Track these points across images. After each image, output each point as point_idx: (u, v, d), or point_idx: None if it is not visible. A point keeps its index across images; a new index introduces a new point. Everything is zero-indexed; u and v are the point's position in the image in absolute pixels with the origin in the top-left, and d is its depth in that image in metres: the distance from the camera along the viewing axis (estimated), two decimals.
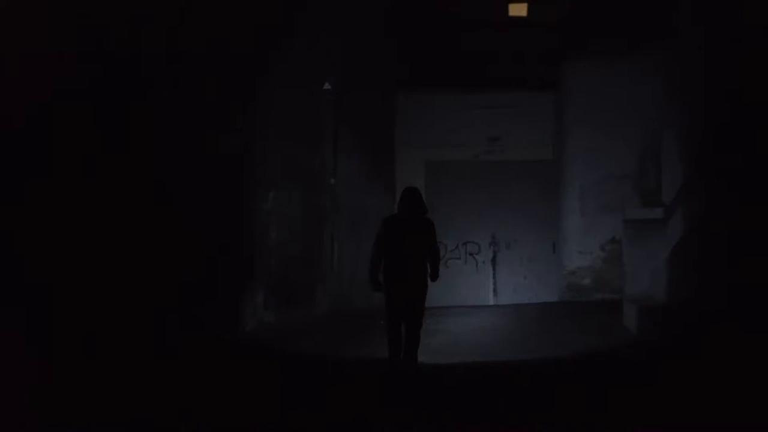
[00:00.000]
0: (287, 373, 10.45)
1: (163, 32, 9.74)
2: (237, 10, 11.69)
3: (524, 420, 7.77)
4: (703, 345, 9.90)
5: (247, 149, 12.38)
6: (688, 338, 10.50)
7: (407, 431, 7.54)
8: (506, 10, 19.77)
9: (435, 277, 9.86)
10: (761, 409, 7.40)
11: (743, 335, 9.02)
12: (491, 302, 20.62)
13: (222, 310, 11.39)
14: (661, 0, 14.13)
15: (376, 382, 9.78)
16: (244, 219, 12.38)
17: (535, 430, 7.44)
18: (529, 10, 19.65)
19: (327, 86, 15.67)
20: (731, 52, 10.28)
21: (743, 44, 9.78)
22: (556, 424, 7.58)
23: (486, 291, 21.01)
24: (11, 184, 7.05)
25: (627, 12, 17.71)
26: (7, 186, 7.01)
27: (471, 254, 21.08)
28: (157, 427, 7.37)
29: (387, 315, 9.78)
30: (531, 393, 9.11)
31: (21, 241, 7.15)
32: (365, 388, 9.50)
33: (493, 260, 21.08)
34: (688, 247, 12.04)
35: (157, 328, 9.34)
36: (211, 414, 7.94)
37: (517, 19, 19.81)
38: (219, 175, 11.37)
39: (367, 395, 9.08)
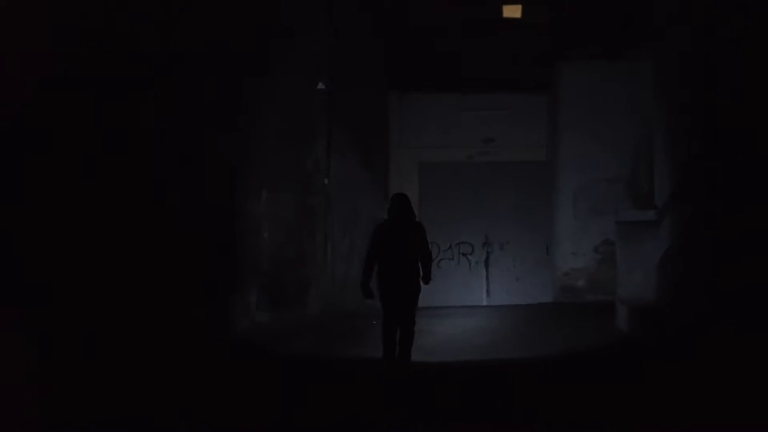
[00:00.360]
0: (281, 373, 10.46)
1: (162, 32, 9.75)
2: (234, 12, 11.71)
3: (510, 417, 7.83)
4: (690, 346, 9.94)
5: (241, 150, 12.38)
6: (677, 339, 10.54)
7: (401, 430, 7.57)
8: (500, 12, 19.79)
9: (428, 279, 10.02)
10: (744, 408, 7.46)
11: (729, 337, 9.07)
12: (484, 303, 20.63)
13: (215, 310, 11.39)
14: (654, 3, 14.16)
15: (371, 381, 9.82)
16: (237, 219, 12.38)
17: (521, 427, 7.50)
18: (524, 11, 19.68)
19: (321, 86, 15.67)
20: (716, 58, 10.32)
21: (730, 50, 9.83)
22: (543, 422, 7.63)
23: (479, 292, 21.03)
24: (12, 185, 7.05)
25: (621, 14, 17.75)
26: (8, 186, 7.00)
27: (464, 255, 21.10)
28: (157, 427, 7.38)
29: (383, 317, 9.92)
30: (517, 390, 9.18)
31: (20, 241, 7.15)
32: (360, 388, 9.53)
33: (487, 261, 21.10)
34: (677, 251, 12.07)
35: (155, 328, 9.34)
36: (207, 413, 7.95)
37: (512, 21, 19.83)
38: (215, 175, 11.38)
39: (361, 394, 9.11)
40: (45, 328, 7.37)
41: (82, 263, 8.04)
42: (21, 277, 7.11)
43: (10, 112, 6.99)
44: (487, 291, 21.04)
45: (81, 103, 8.08)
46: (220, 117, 11.55)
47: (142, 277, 9.17)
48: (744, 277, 9.24)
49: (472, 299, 20.57)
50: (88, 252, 8.15)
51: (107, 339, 8.31)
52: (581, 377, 10.09)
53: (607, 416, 7.81)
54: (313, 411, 8.23)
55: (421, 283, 9.99)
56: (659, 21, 13.62)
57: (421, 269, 9.91)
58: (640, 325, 12.39)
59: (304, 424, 7.72)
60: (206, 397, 8.65)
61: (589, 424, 7.59)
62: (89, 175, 8.20)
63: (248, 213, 12.80)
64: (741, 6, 9.58)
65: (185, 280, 10.33)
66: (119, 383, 8.17)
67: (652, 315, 12.20)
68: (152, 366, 8.95)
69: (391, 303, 9.84)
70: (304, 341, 12.75)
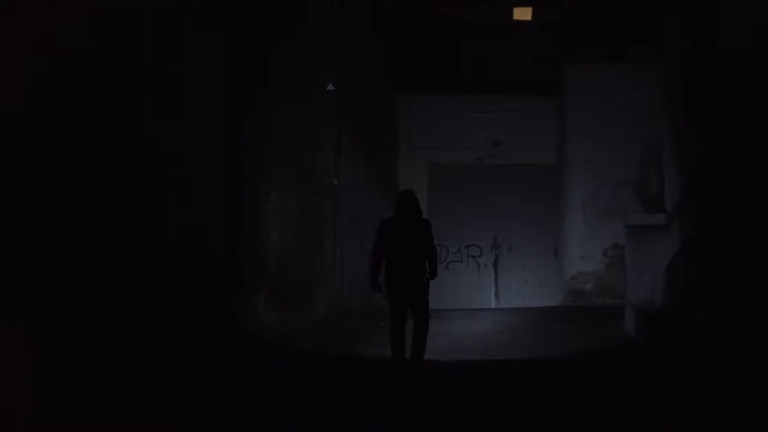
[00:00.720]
0: (287, 372, 10.46)
1: (168, 31, 9.76)
2: (244, 14, 11.74)
3: (514, 418, 7.86)
4: (697, 350, 9.94)
5: (250, 150, 12.38)
6: (684, 343, 10.54)
7: (406, 429, 7.59)
8: (511, 14, 19.81)
9: (434, 275, 10.12)
10: (747, 413, 7.48)
11: (735, 342, 9.07)
12: (492, 306, 20.62)
13: (222, 310, 11.39)
14: (663, 8, 14.15)
15: (377, 381, 9.85)
16: (245, 219, 12.38)
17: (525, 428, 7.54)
18: (534, 13, 19.68)
19: (330, 87, 15.67)
20: (719, 62, 10.31)
21: (732, 53, 9.81)
22: (545, 423, 7.67)
23: (487, 294, 21.01)
24: (12, 182, 7.05)
25: (629, 16, 17.73)
26: (8, 185, 7.01)
27: (473, 257, 21.08)
28: (158, 428, 7.39)
29: (390, 315, 10.00)
30: (522, 392, 9.22)
31: (20, 233, 7.15)
32: (366, 387, 9.54)
33: (495, 264, 21.08)
34: (685, 254, 12.04)
35: (161, 327, 9.34)
36: (211, 412, 7.96)
37: (522, 23, 19.84)
38: (224, 175, 11.39)
39: (367, 394, 9.12)
40: (45, 329, 7.37)
41: (88, 263, 8.04)
42: (20, 272, 7.11)
43: (10, 113, 6.99)
44: (496, 294, 21.02)
45: (83, 102, 8.07)
46: (228, 117, 11.55)
47: (149, 277, 9.17)
48: (751, 281, 9.23)
49: (481, 302, 20.56)
50: (93, 252, 8.15)
51: (113, 338, 8.32)
52: (587, 381, 10.08)
53: (608, 419, 7.83)
54: (318, 410, 8.23)
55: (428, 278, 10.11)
56: (666, 23, 13.61)
57: (427, 265, 10.01)
58: (647, 328, 12.35)
59: (309, 424, 7.73)
60: (210, 396, 8.65)
61: (593, 426, 7.60)
62: (94, 172, 8.20)
63: (257, 213, 12.80)
64: (744, 9, 9.55)
65: (193, 280, 10.33)
66: (124, 383, 8.17)
67: (659, 319, 12.17)
68: (157, 365, 8.95)
69: (398, 299, 9.95)
70: (311, 341, 12.76)
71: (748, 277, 9.22)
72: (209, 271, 10.82)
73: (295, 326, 13.43)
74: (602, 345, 12.59)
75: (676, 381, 9.30)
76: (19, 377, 6.90)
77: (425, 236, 9.99)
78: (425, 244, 9.98)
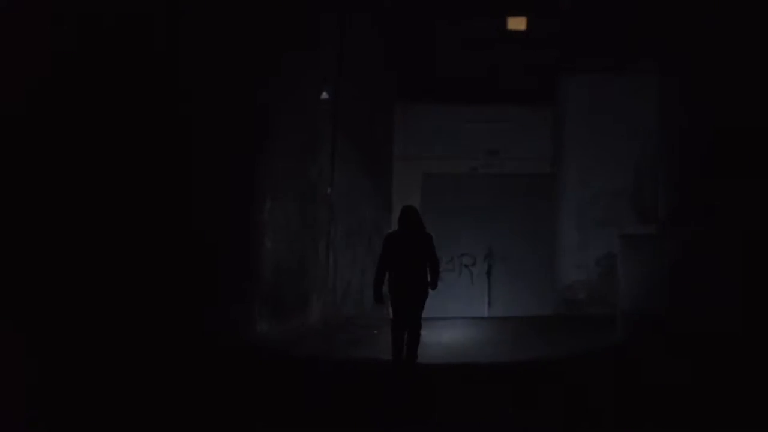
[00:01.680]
0: (286, 375, 10.54)
1: (175, 48, 9.87)
2: (245, 33, 11.83)
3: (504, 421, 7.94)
4: (687, 356, 10.06)
5: (247, 159, 12.43)
6: (675, 350, 10.64)
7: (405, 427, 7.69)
8: (505, 24, 19.89)
9: (434, 285, 10.62)
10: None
11: (725, 349, 9.16)
12: (486, 315, 20.63)
13: (218, 319, 11.42)
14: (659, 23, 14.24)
15: (375, 381, 10.12)
16: (240, 228, 12.41)
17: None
18: (528, 24, 19.77)
19: (325, 95, 15.71)
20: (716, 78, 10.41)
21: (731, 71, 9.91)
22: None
23: (481, 303, 21.02)
24: (17, 187, 7.08)
25: (628, 30, 17.81)
26: (12, 188, 7.03)
27: (466, 266, 21.11)
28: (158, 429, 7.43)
29: (393, 322, 10.49)
30: (513, 397, 9.34)
31: (24, 246, 7.17)
32: (364, 388, 9.67)
33: (489, 273, 21.11)
34: (677, 264, 12.11)
35: (158, 336, 9.37)
36: (210, 416, 8.01)
37: (517, 34, 19.92)
38: (221, 184, 11.43)
39: (366, 394, 9.25)
40: (47, 331, 7.39)
41: (96, 267, 8.08)
42: (22, 283, 7.13)
43: (11, 113, 7.01)
44: (489, 303, 21.04)
45: (82, 104, 8.11)
46: (226, 126, 11.59)
47: (145, 285, 9.20)
48: (742, 290, 9.30)
49: (474, 311, 20.56)
50: (103, 257, 8.20)
51: (115, 342, 8.36)
52: (578, 383, 10.16)
53: (597, 418, 7.93)
54: (317, 410, 8.33)
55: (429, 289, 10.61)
56: (663, 39, 13.70)
57: (429, 276, 10.52)
58: (639, 336, 12.41)
59: (310, 423, 7.80)
60: (209, 399, 8.69)
61: (583, 424, 7.71)
62: (99, 188, 8.25)
63: (252, 222, 12.82)
64: (740, 31, 9.65)
65: (188, 290, 10.36)
66: (126, 386, 8.21)
67: (651, 327, 12.22)
68: (153, 373, 8.99)
69: (401, 307, 10.42)
70: (305, 347, 12.79)
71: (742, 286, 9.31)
72: (207, 277, 10.87)
73: (288, 335, 13.45)
74: (593, 351, 12.65)
75: (665, 384, 9.39)
76: (19, 379, 6.92)
77: (427, 249, 10.49)
78: (428, 256, 10.48)
